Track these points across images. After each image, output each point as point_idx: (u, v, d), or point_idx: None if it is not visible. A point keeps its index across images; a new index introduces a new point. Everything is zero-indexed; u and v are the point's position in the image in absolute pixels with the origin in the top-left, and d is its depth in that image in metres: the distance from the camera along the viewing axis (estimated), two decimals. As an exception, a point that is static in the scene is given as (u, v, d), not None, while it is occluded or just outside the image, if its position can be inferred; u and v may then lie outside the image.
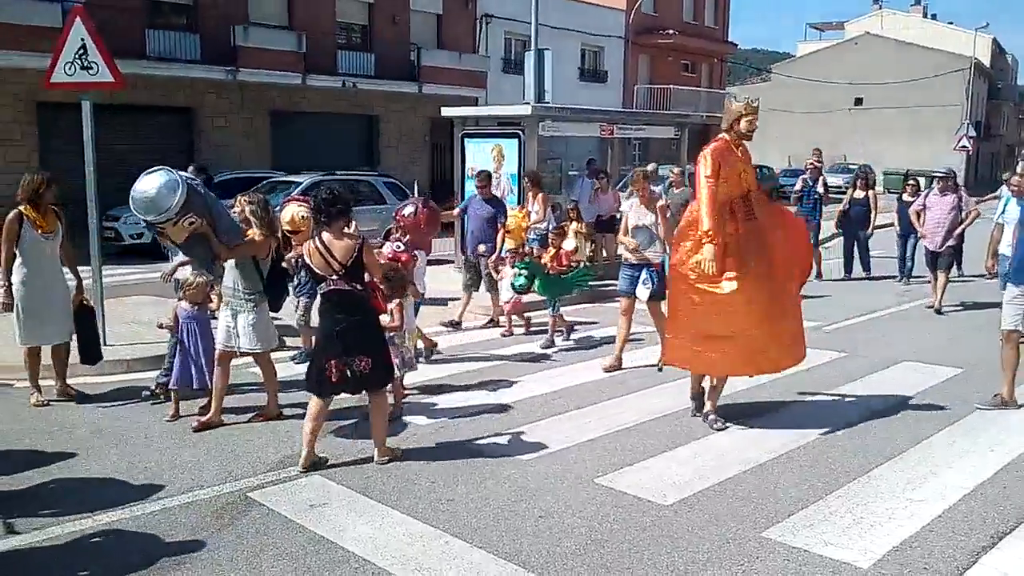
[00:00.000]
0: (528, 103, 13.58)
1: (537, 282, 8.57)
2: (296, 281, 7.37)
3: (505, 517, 4.53)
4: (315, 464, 5.17)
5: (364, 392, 5.30)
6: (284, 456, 5.36)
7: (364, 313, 5.17)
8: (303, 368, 6.03)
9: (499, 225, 9.37)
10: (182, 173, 5.65)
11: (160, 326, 6.53)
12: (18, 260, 6.31)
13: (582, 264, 9.70)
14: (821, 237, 14.02)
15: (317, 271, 5.10)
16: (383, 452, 5.30)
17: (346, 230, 5.20)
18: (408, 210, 7.33)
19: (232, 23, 20.24)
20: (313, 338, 6.23)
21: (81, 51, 7.58)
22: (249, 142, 21.28)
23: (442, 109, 13.93)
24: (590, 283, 9.41)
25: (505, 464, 5.30)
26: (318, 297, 5.33)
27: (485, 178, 9.61)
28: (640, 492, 4.86)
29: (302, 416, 5.39)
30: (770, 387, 6.89)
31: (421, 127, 25.42)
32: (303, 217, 6.60)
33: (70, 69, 7.62)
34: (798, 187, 13.35)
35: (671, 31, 34.53)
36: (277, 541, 4.23)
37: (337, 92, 22.78)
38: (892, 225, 13.25)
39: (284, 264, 6.38)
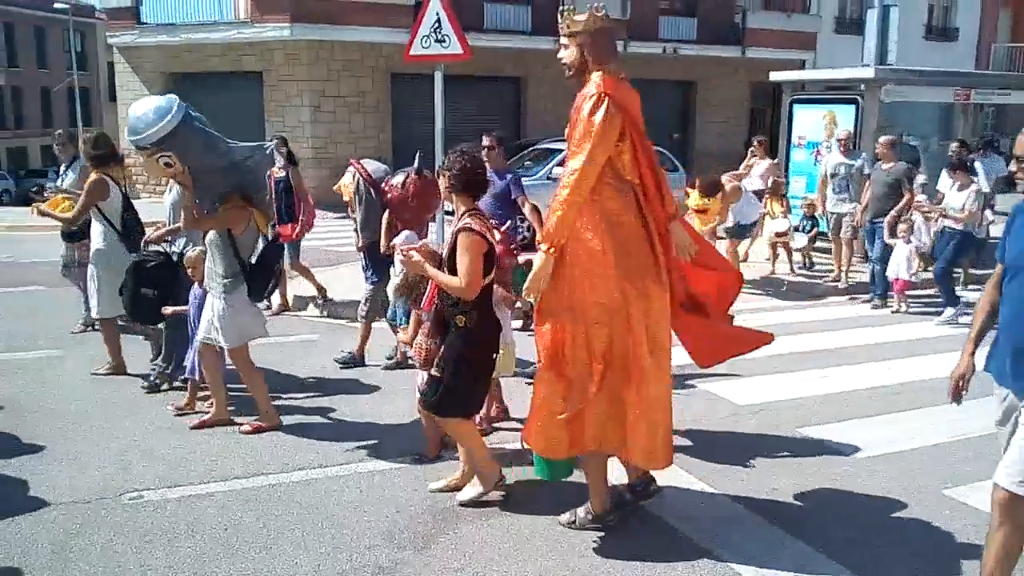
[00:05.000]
0: (868, 65, 12.41)
1: None
2: (366, 264, 6.53)
3: (836, 518, 4.20)
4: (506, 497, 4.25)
5: None
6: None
7: None
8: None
9: (519, 202, 6.70)
10: (194, 112, 4.71)
11: (168, 314, 5.61)
12: (99, 228, 6.09)
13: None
14: None
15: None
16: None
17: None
18: (397, 179, 5.98)
19: (558, -5, 20.88)
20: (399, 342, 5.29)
21: (436, 25, 8.24)
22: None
23: (771, 73, 13.21)
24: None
25: (834, 461, 4.90)
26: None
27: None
28: (1001, 513, 4.24)
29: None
30: None
31: (741, 93, 24.48)
32: (345, 185, 6.47)
33: (425, 42, 8.33)
34: None
35: (1046, -21, 29.71)
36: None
37: (656, 58, 22.60)
38: None
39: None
